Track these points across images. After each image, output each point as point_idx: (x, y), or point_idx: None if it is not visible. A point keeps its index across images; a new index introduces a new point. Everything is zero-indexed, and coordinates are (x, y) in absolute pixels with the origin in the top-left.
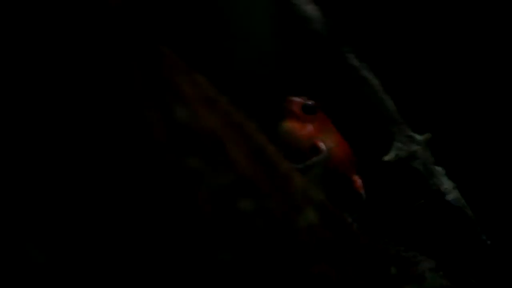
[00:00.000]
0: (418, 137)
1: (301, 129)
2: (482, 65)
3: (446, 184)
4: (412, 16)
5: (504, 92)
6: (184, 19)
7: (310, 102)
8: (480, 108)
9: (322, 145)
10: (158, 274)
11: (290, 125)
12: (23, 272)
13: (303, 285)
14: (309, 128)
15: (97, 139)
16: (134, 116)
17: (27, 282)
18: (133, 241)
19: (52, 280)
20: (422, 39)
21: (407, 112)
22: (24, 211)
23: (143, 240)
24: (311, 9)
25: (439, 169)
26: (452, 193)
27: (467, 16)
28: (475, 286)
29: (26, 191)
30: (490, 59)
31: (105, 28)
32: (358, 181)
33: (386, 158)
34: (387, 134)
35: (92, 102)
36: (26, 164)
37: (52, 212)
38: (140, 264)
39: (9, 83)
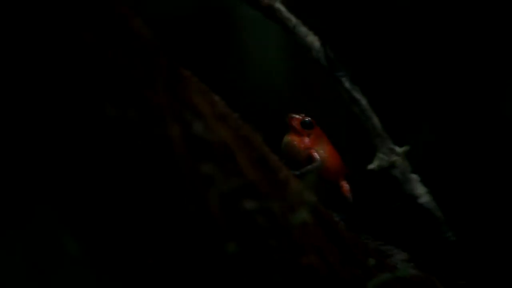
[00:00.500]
0: (398, 149)
1: (299, 141)
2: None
3: (420, 189)
4: (394, 44)
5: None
6: (206, 45)
7: (308, 119)
8: (451, 124)
9: (316, 155)
10: (174, 264)
11: (291, 138)
12: (61, 262)
13: (295, 275)
14: (306, 140)
15: (128, 150)
16: (158, 130)
17: (63, 271)
18: (155, 234)
19: (85, 269)
20: (401, 67)
21: (389, 127)
22: (62, 207)
23: (163, 234)
24: (311, 39)
25: (414, 176)
26: (424, 197)
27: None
28: (440, 276)
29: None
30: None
31: (138, 55)
32: (345, 186)
33: (370, 166)
34: (372, 146)
35: (124, 118)
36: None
37: (88, 208)
38: (159, 255)
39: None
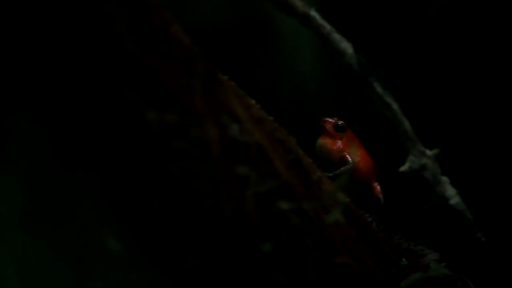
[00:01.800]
0: (429, 152)
1: (332, 144)
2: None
3: (450, 191)
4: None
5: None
6: (243, 52)
7: (340, 122)
8: (476, 129)
9: (348, 158)
10: (212, 263)
11: (324, 141)
12: (103, 258)
13: (330, 273)
14: (339, 143)
15: (167, 153)
16: (196, 133)
17: (107, 268)
18: (194, 234)
19: (126, 265)
20: (431, 73)
21: (420, 131)
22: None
23: (201, 234)
24: (344, 46)
25: (444, 178)
26: (454, 199)
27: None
28: (471, 275)
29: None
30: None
31: (178, 60)
32: (377, 187)
33: (401, 169)
34: (403, 149)
35: (163, 122)
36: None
37: (129, 209)
38: (198, 255)
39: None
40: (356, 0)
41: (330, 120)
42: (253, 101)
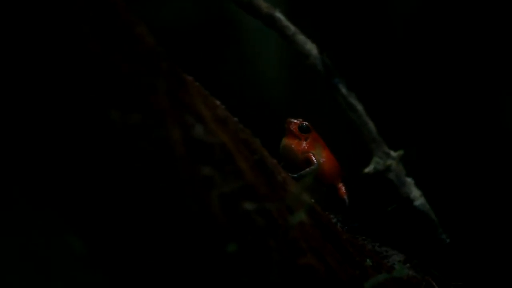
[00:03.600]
0: (393, 153)
1: (297, 145)
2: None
3: (415, 192)
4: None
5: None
6: (209, 52)
7: (305, 123)
8: (440, 130)
9: (313, 158)
10: (176, 263)
11: (289, 142)
12: (65, 259)
13: (294, 274)
14: (304, 144)
15: (130, 152)
16: (160, 133)
17: (69, 268)
18: (158, 234)
19: (89, 266)
20: (396, 74)
21: (385, 132)
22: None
23: (166, 234)
24: (309, 47)
25: (409, 179)
26: (419, 200)
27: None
28: (435, 276)
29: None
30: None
31: (142, 61)
32: (342, 188)
33: (366, 170)
34: (368, 150)
35: (127, 122)
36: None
37: (92, 209)
38: (162, 255)
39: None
40: (322, 3)
41: (295, 121)
42: (218, 102)
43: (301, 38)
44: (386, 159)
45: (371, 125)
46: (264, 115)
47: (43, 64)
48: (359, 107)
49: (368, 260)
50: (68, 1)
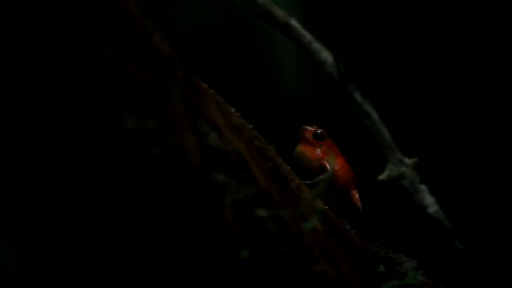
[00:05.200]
0: (407, 160)
1: (311, 152)
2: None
3: (428, 199)
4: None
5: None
6: (225, 59)
7: (319, 131)
8: (455, 138)
9: (327, 166)
10: (191, 270)
11: (303, 149)
12: (80, 263)
13: (307, 281)
14: (318, 151)
15: (146, 160)
16: (175, 140)
17: (83, 272)
18: (173, 241)
19: (100, 269)
20: (411, 83)
21: (399, 140)
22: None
23: (181, 241)
24: (324, 55)
25: (423, 186)
26: (432, 207)
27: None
28: (448, 283)
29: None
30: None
31: (157, 69)
32: (356, 195)
33: (380, 177)
34: (382, 157)
35: (142, 130)
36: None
37: (106, 215)
38: (177, 262)
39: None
40: (338, 11)
41: (310, 128)
42: (232, 109)
43: (317, 46)
44: (400, 166)
45: (385, 132)
46: (280, 122)
47: (59, 72)
48: (374, 114)
49: (381, 266)
50: (84, 9)
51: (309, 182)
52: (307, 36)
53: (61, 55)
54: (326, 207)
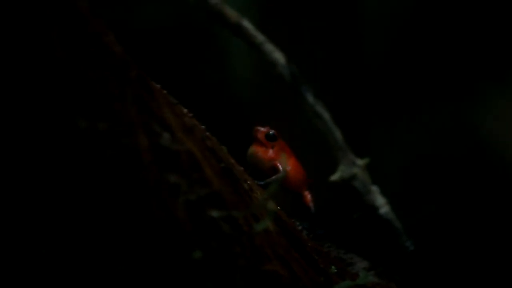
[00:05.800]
0: (359, 161)
1: (264, 153)
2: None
3: (380, 200)
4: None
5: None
6: (178, 59)
7: (272, 132)
8: (406, 139)
9: (280, 166)
10: (142, 269)
11: (255, 150)
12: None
13: (259, 281)
14: (270, 152)
15: (98, 160)
16: (128, 141)
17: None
18: (124, 241)
19: (55, 273)
20: (362, 84)
21: (351, 140)
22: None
23: (132, 240)
24: (276, 56)
25: (374, 188)
26: (383, 208)
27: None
28: (399, 283)
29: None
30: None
31: (110, 70)
32: (308, 196)
33: (332, 178)
34: (334, 158)
35: (94, 130)
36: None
37: (56, 215)
38: (128, 261)
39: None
40: (293, 11)
41: (262, 129)
42: (185, 110)
43: (269, 47)
44: (352, 167)
45: (337, 133)
46: (233, 122)
47: (11, 72)
48: (326, 115)
49: (332, 267)
50: (36, 7)
51: (262, 182)
52: (259, 37)
53: (12, 55)
54: (279, 207)
